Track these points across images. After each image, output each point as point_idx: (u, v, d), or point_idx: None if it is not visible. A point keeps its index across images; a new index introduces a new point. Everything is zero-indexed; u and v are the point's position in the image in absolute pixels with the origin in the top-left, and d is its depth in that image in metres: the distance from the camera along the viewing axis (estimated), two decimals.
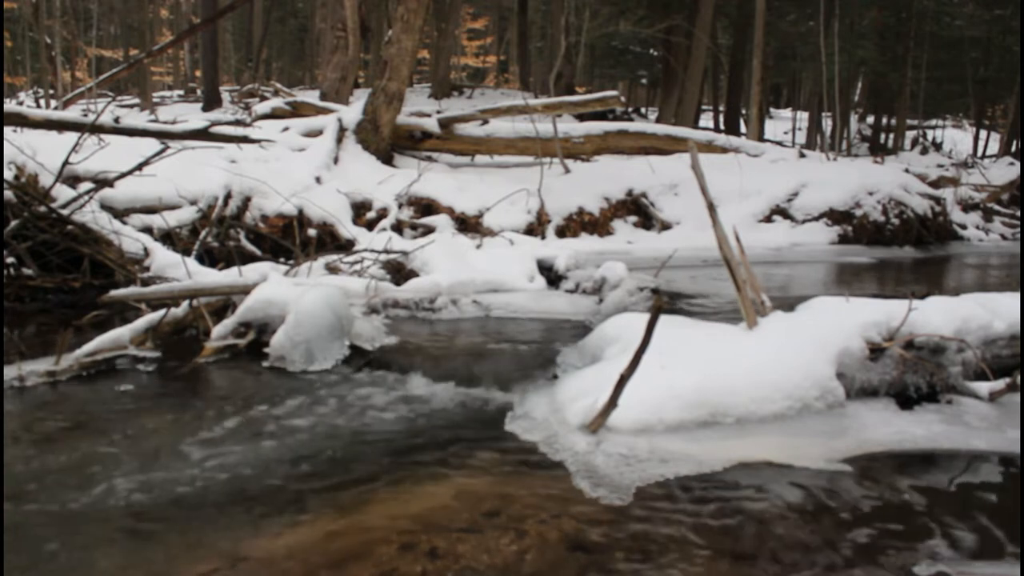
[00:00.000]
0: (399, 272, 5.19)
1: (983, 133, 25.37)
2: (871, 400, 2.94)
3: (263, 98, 16.12)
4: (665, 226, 8.43)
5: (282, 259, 5.52)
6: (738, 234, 3.50)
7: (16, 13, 24.41)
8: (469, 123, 9.35)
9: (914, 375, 2.99)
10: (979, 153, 23.20)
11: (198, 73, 25.90)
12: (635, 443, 2.52)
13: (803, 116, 26.09)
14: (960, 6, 24.23)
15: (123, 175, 5.17)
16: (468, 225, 7.40)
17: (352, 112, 8.52)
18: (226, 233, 5.85)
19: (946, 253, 8.81)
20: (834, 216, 8.67)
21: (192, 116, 14.12)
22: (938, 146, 24.11)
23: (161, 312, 3.65)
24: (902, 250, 8.59)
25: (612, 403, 2.54)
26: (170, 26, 33.90)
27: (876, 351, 2.95)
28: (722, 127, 19.13)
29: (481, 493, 2.24)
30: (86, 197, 4.80)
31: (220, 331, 3.59)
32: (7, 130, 5.73)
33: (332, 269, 5.06)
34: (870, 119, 26.45)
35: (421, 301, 4.60)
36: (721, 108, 22.12)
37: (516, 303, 4.72)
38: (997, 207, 11.35)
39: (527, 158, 9.36)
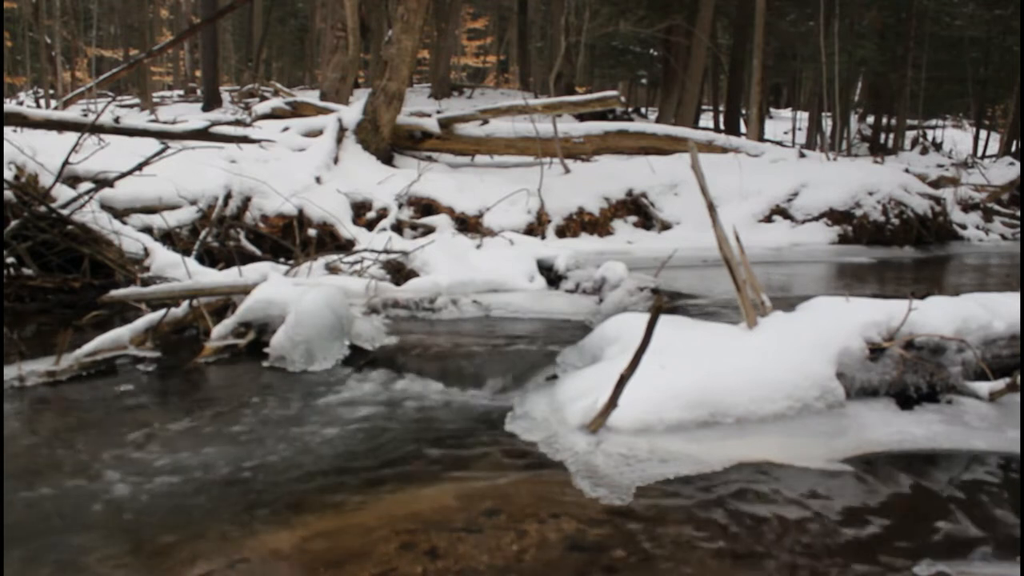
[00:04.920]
0: (399, 272, 5.18)
1: (983, 133, 25.38)
2: (871, 400, 2.94)
3: (263, 98, 16.12)
4: (665, 226, 8.43)
5: (282, 259, 5.52)
6: (738, 234, 3.50)
7: (16, 13, 24.41)
8: (469, 123, 9.35)
9: (914, 375, 2.99)
10: (979, 153, 23.21)
11: (198, 73, 25.89)
12: (635, 443, 2.51)
13: (803, 116, 26.10)
14: (960, 6, 24.25)
15: (123, 175, 5.17)
16: (468, 225, 7.40)
17: (352, 112, 8.52)
18: (226, 233, 5.85)
19: (946, 253, 8.82)
20: (834, 216, 8.67)
21: (192, 116, 14.14)
22: (938, 146, 24.12)
23: (161, 312, 3.65)
24: (902, 250, 8.59)
25: (612, 403, 2.54)
26: (170, 26, 33.90)
27: (876, 351, 2.95)
28: (722, 127, 19.12)
29: (481, 493, 2.24)
30: (86, 197, 4.80)
31: (220, 331, 3.59)
32: (7, 130, 5.73)
33: (332, 269, 5.06)
34: (870, 119, 26.46)
35: (421, 301, 4.60)
36: (721, 108, 22.11)
37: (516, 303, 4.72)
38: (997, 207, 11.36)
39: (527, 158, 9.36)
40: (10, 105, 7.53)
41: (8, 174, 4.68)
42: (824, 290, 5.81)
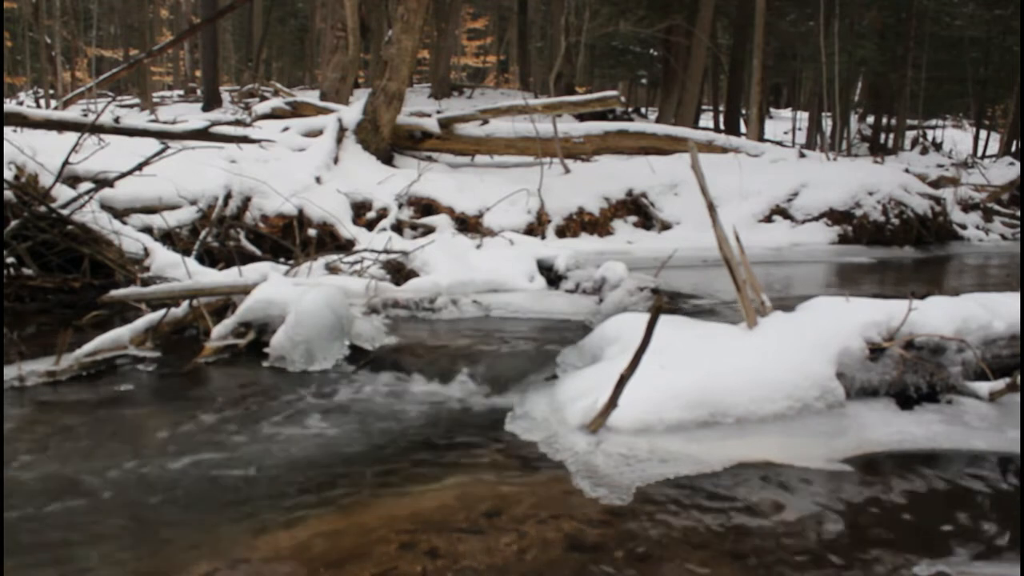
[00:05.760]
0: (399, 272, 5.18)
1: (983, 133, 25.38)
2: (871, 400, 2.94)
3: (263, 98, 16.11)
4: (665, 226, 8.43)
5: (282, 259, 5.52)
6: (738, 234, 3.49)
7: (16, 13, 24.41)
8: (469, 123, 9.35)
9: (914, 375, 2.99)
10: (979, 153, 23.21)
11: (198, 73, 25.89)
12: (635, 443, 2.52)
13: (803, 116, 26.09)
14: (960, 6, 24.25)
15: (123, 175, 5.17)
16: (468, 225, 7.40)
17: (352, 112, 8.52)
18: (226, 233, 5.85)
19: (946, 253, 8.82)
20: (834, 216, 8.67)
21: (192, 116, 14.13)
22: (938, 146, 24.12)
23: (161, 312, 3.65)
24: (902, 250, 8.59)
25: (612, 403, 2.54)
26: (170, 26, 33.89)
27: (876, 351, 2.95)
28: (722, 127, 19.12)
29: (481, 493, 2.24)
30: (86, 197, 4.80)
31: (220, 331, 3.59)
32: (7, 130, 5.73)
33: (332, 269, 5.06)
34: (870, 119, 26.46)
35: (421, 301, 4.60)
36: (721, 108, 22.11)
37: (516, 303, 4.72)
38: (997, 207, 11.36)
39: (527, 158, 9.36)
40: (10, 105, 7.53)
41: (8, 174, 4.68)
42: (824, 290, 5.82)
